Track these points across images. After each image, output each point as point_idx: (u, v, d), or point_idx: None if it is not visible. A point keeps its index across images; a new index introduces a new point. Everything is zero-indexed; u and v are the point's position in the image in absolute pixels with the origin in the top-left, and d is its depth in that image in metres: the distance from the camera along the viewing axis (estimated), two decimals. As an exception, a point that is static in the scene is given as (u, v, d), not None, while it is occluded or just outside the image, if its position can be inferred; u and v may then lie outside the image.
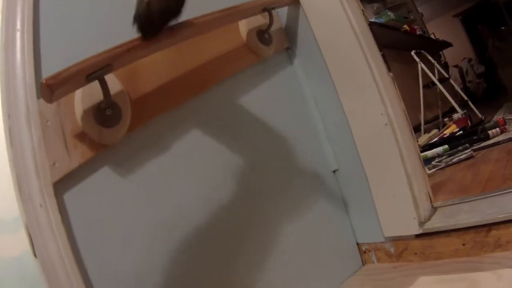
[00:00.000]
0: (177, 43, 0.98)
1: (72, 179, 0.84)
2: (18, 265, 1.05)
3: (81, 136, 0.85)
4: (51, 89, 0.73)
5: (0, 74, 0.88)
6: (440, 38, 6.36)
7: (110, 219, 0.87)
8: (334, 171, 1.39)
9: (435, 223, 1.14)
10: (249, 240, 1.10)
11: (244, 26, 1.30)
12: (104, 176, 0.89)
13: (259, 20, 1.34)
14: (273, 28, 1.35)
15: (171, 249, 0.94)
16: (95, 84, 0.81)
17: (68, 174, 0.83)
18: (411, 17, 6.06)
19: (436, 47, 5.64)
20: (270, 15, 1.29)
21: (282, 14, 1.48)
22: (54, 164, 0.81)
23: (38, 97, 0.85)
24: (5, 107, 0.85)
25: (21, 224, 0.80)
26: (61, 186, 0.82)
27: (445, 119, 3.89)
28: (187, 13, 1.06)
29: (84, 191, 0.85)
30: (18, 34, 0.90)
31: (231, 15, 1.13)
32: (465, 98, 3.92)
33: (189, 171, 1.04)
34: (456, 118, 3.47)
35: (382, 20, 4.13)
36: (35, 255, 0.77)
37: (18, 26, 0.91)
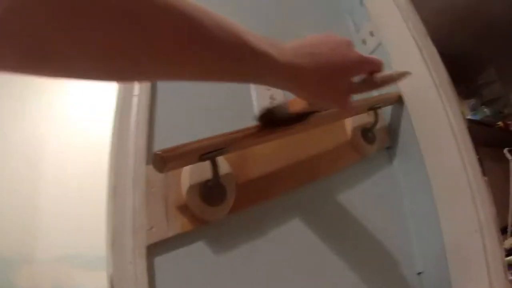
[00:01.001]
0: (291, 134, 1.01)
1: (167, 246, 0.87)
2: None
3: (183, 209, 0.89)
4: (165, 161, 0.77)
5: (113, 132, 0.94)
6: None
7: (193, 290, 0.88)
8: (419, 273, 1.35)
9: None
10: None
11: (349, 124, 1.33)
12: (199, 250, 0.91)
13: (364, 118, 1.37)
14: (377, 127, 1.37)
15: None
16: (206, 162, 0.85)
17: (163, 240, 0.86)
18: (505, 111, 5.87)
19: (528, 143, 5.40)
20: (376, 115, 1.32)
21: (385, 112, 1.50)
22: (151, 228, 0.85)
23: (147, 163, 0.90)
24: (113, 164, 0.90)
25: (101, 265, 0.84)
26: (154, 250, 0.85)
27: (533, 220, 3.68)
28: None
29: (176, 259, 0.88)
30: (135, 100, 0.98)
31: (341, 113, 1.17)
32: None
33: (282, 261, 1.04)
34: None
35: (477, 117, 4.05)
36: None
37: (136, 92, 0.99)
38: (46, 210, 2.03)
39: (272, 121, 0.83)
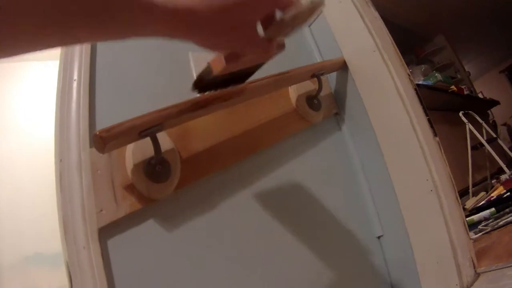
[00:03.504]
0: (228, 107, 1.01)
1: (118, 227, 0.86)
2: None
3: (130, 188, 0.88)
4: (104, 141, 0.76)
5: (55, 120, 0.93)
6: (488, 97, 6.26)
7: (149, 270, 0.88)
8: (378, 237, 1.37)
9: (477, 289, 1.11)
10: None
11: (293, 92, 1.34)
12: (149, 228, 0.91)
13: (309, 85, 1.37)
14: (322, 94, 1.38)
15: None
16: (147, 139, 0.84)
17: (114, 222, 0.85)
18: (458, 76, 6.03)
19: (483, 106, 5.55)
20: (319, 81, 1.32)
21: (331, 79, 1.51)
22: (101, 211, 0.84)
23: (90, 146, 0.89)
24: (58, 151, 0.89)
25: (61, 261, 0.82)
26: (106, 232, 0.85)
27: (493, 181, 3.78)
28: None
29: (128, 240, 0.87)
30: (74, 84, 0.96)
31: (281, 81, 1.17)
32: (514, 157, 3.82)
33: (232, 233, 1.04)
34: (503, 180, 3.37)
35: (429, 82, 4.12)
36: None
37: (75, 76, 0.97)
38: (1, 215, 2.00)
39: (205, 87, 0.78)
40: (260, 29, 0.63)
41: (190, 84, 0.75)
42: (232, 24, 0.57)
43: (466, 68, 6.81)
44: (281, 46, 0.73)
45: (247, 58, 0.71)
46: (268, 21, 0.64)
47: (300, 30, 0.71)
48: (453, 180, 1.26)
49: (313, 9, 0.67)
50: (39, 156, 2.03)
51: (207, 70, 0.71)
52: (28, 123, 2.22)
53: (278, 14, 0.64)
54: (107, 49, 1.06)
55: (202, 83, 0.75)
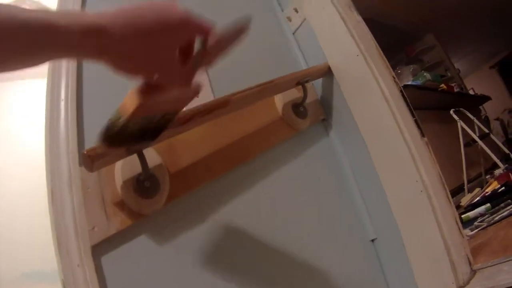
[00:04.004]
0: (212, 119, 1.02)
1: (110, 244, 0.87)
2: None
3: (120, 205, 0.89)
4: (92, 160, 0.76)
5: (45, 140, 0.95)
6: (479, 93, 6.30)
7: (143, 285, 0.89)
8: (372, 240, 1.38)
9: (474, 287, 1.11)
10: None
11: (279, 100, 1.35)
12: (141, 243, 0.91)
13: (294, 93, 1.38)
14: (308, 101, 1.39)
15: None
16: (135, 155, 0.85)
17: (106, 239, 0.86)
18: (449, 74, 6.06)
19: (475, 102, 5.57)
20: (304, 89, 1.34)
21: (317, 86, 1.52)
22: (93, 228, 0.85)
23: (80, 165, 0.90)
24: (49, 169, 0.90)
25: (58, 277, 0.83)
26: (99, 249, 0.85)
27: (488, 176, 3.79)
28: (223, 89, 1.11)
29: (121, 256, 0.88)
30: (62, 104, 0.97)
31: (265, 91, 1.18)
32: (507, 151, 3.83)
33: (223, 243, 1.05)
34: (497, 174, 3.38)
35: (418, 82, 4.14)
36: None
37: (63, 96, 0.98)
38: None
39: (115, 137, 0.68)
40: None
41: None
42: (148, 48, 0.54)
43: (456, 65, 6.86)
44: (197, 88, 0.67)
45: (163, 99, 0.64)
46: (188, 51, 0.60)
47: (224, 58, 0.67)
48: (443, 180, 1.27)
49: (236, 34, 0.65)
50: (35, 168, 2.04)
51: (116, 115, 0.65)
52: (22, 135, 2.22)
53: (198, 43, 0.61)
54: (93, 65, 1.07)
55: (110, 132, 0.67)
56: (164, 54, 0.57)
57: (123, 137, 0.69)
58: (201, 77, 0.66)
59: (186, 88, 0.63)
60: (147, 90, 0.60)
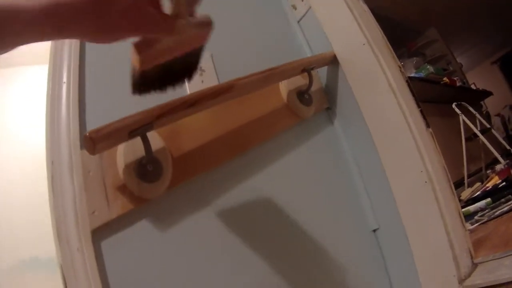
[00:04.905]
0: (218, 104, 1.00)
1: (111, 228, 0.86)
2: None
3: (122, 189, 0.88)
4: (94, 142, 0.75)
5: (46, 123, 0.93)
6: (480, 88, 6.29)
7: (144, 271, 0.88)
8: (374, 230, 1.37)
9: (475, 280, 1.10)
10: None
11: (284, 87, 1.34)
12: (142, 229, 0.90)
13: (300, 80, 1.37)
14: (313, 89, 1.37)
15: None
16: (138, 139, 0.84)
17: (106, 223, 0.85)
18: (451, 68, 6.04)
19: (476, 97, 5.57)
20: (310, 76, 1.32)
21: (322, 74, 1.51)
22: (93, 212, 0.84)
23: (81, 148, 0.88)
24: (49, 154, 0.89)
25: (56, 265, 0.82)
26: (99, 234, 0.84)
27: (488, 171, 3.79)
28: (228, 77, 1.09)
29: (121, 241, 0.87)
30: (64, 87, 0.96)
31: (271, 77, 1.17)
32: (508, 147, 3.83)
33: (226, 230, 1.04)
34: (498, 170, 3.38)
35: (421, 74, 4.12)
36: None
37: (65, 79, 0.97)
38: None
39: (143, 86, 0.67)
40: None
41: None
42: (119, 7, 0.51)
43: (458, 60, 6.83)
44: (205, 24, 0.65)
45: (165, 44, 0.61)
46: None
47: None
48: (447, 171, 1.26)
49: None
50: (32, 158, 2.03)
51: (131, 67, 0.63)
52: (20, 126, 2.22)
53: None
54: (96, 49, 1.06)
55: (138, 86, 0.66)
56: (138, 7, 0.53)
57: (150, 83, 0.67)
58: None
59: (171, 28, 0.59)
60: (141, 46, 0.59)
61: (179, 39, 0.64)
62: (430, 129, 1.28)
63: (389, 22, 4.95)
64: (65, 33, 0.50)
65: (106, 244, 0.85)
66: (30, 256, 1.98)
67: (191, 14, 0.62)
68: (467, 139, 3.74)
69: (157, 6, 0.56)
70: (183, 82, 0.72)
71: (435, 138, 1.27)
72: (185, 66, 0.71)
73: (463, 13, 6.09)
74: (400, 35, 5.68)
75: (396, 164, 1.28)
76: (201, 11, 0.57)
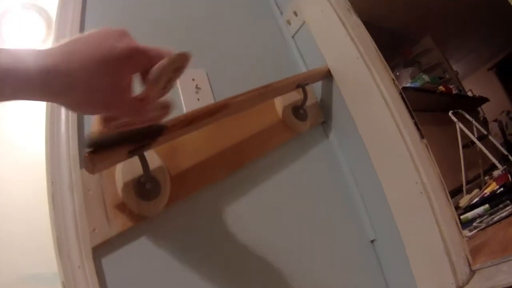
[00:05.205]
0: (214, 122, 1.02)
1: (111, 245, 0.87)
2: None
3: (121, 207, 0.89)
4: (93, 162, 0.76)
5: (45, 143, 0.94)
6: (477, 94, 6.31)
7: (144, 287, 0.89)
8: (372, 241, 1.38)
9: (473, 287, 1.12)
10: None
11: (279, 103, 1.35)
12: (142, 245, 0.92)
13: (294, 96, 1.39)
14: (308, 103, 1.39)
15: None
16: (136, 158, 0.85)
17: (107, 240, 0.86)
18: (447, 76, 6.07)
19: (473, 104, 5.59)
20: (304, 91, 1.34)
21: (317, 88, 1.53)
22: (94, 230, 0.85)
23: (81, 167, 0.90)
24: (49, 173, 0.90)
25: (59, 281, 0.83)
26: (99, 251, 0.85)
27: (486, 177, 3.80)
28: (224, 93, 1.10)
29: (121, 258, 0.88)
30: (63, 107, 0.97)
31: (265, 94, 1.18)
32: (505, 153, 3.84)
33: (225, 247, 1.05)
34: (496, 175, 3.38)
35: (417, 84, 4.15)
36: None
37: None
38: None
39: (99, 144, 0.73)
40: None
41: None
42: (104, 90, 0.54)
43: (454, 67, 6.87)
44: (166, 106, 0.67)
45: (126, 120, 0.64)
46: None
47: (175, 83, 0.65)
48: (443, 181, 1.27)
49: (179, 61, 0.61)
50: (32, 170, 2.03)
51: (90, 134, 0.68)
52: (20, 137, 2.22)
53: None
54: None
55: (94, 142, 0.72)
56: (114, 88, 0.55)
57: (107, 144, 0.74)
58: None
59: (139, 112, 0.62)
60: (105, 119, 0.62)
61: (141, 119, 0.67)
62: (425, 140, 1.29)
63: (385, 31, 4.99)
64: (46, 96, 0.52)
65: (107, 261, 0.86)
66: (30, 272, 1.98)
67: (160, 97, 0.64)
68: (464, 146, 3.75)
69: (129, 90, 0.58)
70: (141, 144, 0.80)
71: (429, 149, 1.29)
72: (142, 134, 0.79)
73: (457, 21, 6.13)
74: (397, 43, 5.72)
75: (391, 175, 1.29)
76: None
